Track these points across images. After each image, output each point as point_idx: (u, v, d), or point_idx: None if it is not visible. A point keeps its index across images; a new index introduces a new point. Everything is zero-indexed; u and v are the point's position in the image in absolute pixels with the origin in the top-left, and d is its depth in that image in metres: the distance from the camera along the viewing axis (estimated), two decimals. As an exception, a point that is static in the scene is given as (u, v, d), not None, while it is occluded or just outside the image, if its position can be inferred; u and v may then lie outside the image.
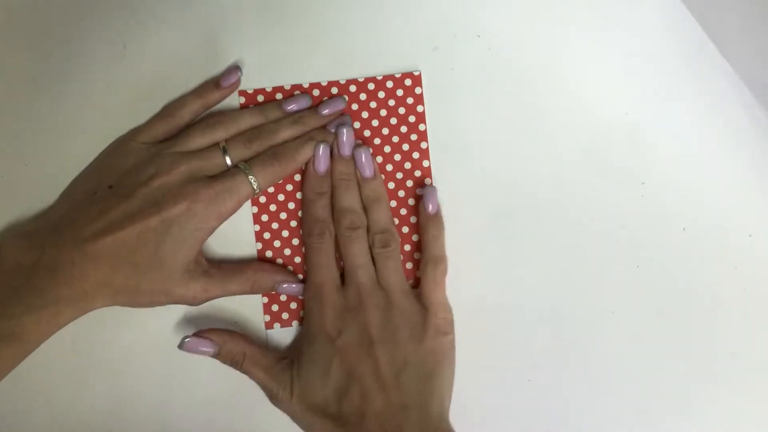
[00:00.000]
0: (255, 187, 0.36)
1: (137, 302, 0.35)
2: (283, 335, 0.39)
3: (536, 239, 0.39)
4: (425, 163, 0.39)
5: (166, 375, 0.39)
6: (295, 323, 0.39)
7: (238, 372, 0.38)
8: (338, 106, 0.38)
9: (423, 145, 0.39)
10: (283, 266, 0.39)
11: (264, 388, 0.37)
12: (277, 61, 0.39)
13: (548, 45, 0.39)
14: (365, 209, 0.38)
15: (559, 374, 0.39)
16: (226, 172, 0.36)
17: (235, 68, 0.38)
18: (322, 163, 0.37)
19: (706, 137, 0.39)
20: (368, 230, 0.37)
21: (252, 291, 0.37)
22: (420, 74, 0.39)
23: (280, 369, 0.36)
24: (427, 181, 0.39)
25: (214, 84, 0.38)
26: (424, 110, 0.39)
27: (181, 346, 0.36)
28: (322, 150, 0.37)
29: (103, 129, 0.38)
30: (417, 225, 0.39)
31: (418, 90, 0.39)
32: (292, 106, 0.38)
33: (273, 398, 0.36)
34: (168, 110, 0.38)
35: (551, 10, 0.39)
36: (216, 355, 0.36)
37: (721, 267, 0.39)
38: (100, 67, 0.38)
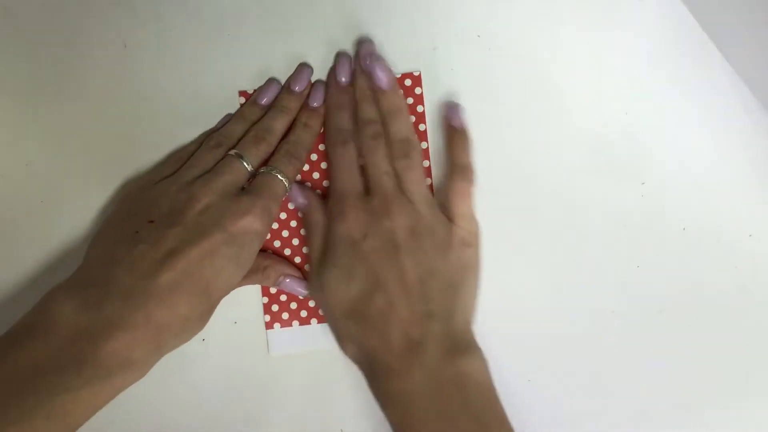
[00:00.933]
0: (287, 187, 0.36)
1: (204, 325, 0.34)
2: (284, 336, 0.39)
3: (536, 239, 0.39)
4: (425, 163, 0.39)
5: (166, 375, 0.39)
6: (295, 323, 0.39)
7: (237, 372, 0.38)
8: (306, 77, 0.38)
9: (423, 145, 0.39)
10: (289, 260, 0.39)
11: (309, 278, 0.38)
12: (277, 61, 0.39)
13: (548, 45, 0.39)
14: (383, 122, 0.37)
15: (559, 374, 0.39)
16: (261, 180, 0.35)
17: (229, 117, 0.38)
18: (343, 74, 0.38)
19: (706, 137, 0.39)
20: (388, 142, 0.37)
21: (261, 279, 0.37)
22: (420, 74, 0.39)
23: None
24: (427, 180, 0.39)
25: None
26: (424, 110, 0.39)
27: (289, 189, 0.37)
28: (341, 61, 0.38)
29: (103, 129, 0.38)
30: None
31: (418, 90, 0.39)
32: (265, 100, 0.38)
33: (309, 288, 0.38)
34: (175, 156, 0.38)
35: (551, 10, 0.39)
36: (303, 210, 0.38)
37: (721, 267, 0.39)
38: (100, 67, 0.38)
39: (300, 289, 0.38)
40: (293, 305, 0.39)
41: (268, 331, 0.39)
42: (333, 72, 0.38)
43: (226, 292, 0.34)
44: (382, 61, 0.37)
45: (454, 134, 0.38)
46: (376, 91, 0.37)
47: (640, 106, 0.39)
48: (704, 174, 0.39)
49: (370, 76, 0.37)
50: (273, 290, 0.39)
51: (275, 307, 0.39)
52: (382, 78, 0.37)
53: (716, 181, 0.39)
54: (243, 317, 0.39)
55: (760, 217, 0.39)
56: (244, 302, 0.39)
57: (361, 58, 0.38)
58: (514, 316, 0.39)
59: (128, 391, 0.38)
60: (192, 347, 0.39)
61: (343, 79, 0.38)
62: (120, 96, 0.38)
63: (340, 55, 0.38)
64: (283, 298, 0.39)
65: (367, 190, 0.37)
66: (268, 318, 0.39)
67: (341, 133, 0.37)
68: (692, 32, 0.39)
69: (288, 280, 0.38)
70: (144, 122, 0.38)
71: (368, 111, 0.37)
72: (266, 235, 0.35)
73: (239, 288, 0.38)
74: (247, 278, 0.37)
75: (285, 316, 0.39)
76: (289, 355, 0.39)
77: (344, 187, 0.36)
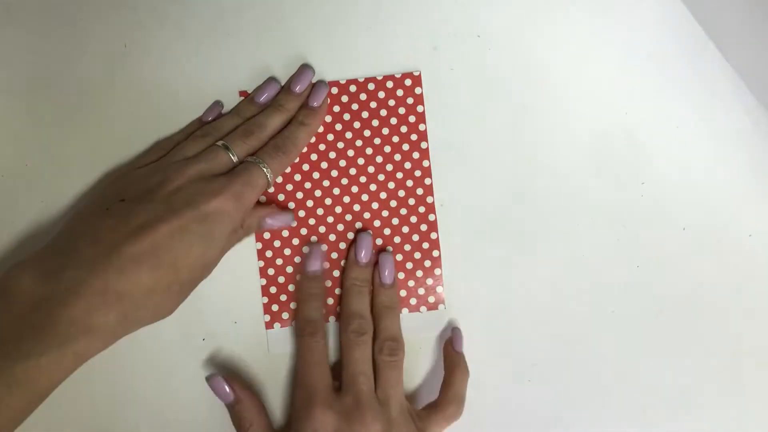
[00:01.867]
0: (270, 178, 0.36)
1: (183, 298, 0.34)
2: (283, 335, 0.39)
3: (536, 239, 0.39)
4: (425, 163, 0.39)
5: (167, 375, 0.39)
6: (295, 323, 0.39)
7: (237, 372, 0.38)
8: (307, 78, 0.38)
9: (423, 145, 0.39)
10: (267, 203, 0.39)
11: None
12: (277, 61, 0.39)
13: (548, 45, 0.39)
14: (376, 315, 0.37)
15: (559, 374, 0.39)
16: (240, 167, 0.35)
17: (216, 104, 0.38)
18: (316, 264, 0.38)
19: (706, 137, 0.39)
20: (374, 337, 0.37)
21: (243, 234, 0.37)
22: (420, 74, 0.39)
23: None
24: (427, 181, 0.39)
25: (198, 121, 0.38)
26: (424, 110, 0.39)
27: (208, 379, 0.37)
28: (318, 251, 0.38)
29: (103, 129, 0.38)
30: (416, 225, 0.39)
31: (418, 90, 0.39)
32: (263, 98, 0.38)
33: None
34: (159, 146, 0.38)
35: (551, 11, 0.39)
36: (229, 407, 0.37)
37: (721, 267, 0.39)
38: (101, 68, 0.38)
39: (285, 218, 0.38)
40: (293, 305, 0.39)
41: (268, 331, 0.39)
42: (306, 262, 0.38)
43: (199, 271, 0.34)
44: (390, 255, 0.38)
45: (458, 364, 0.37)
46: (375, 286, 0.38)
47: (640, 106, 0.39)
48: (704, 174, 0.39)
49: (378, 270, 0.38)
50: (273, 290, 0.39)
51: (275, 307, 0.39)
52: (390, 275, 0.38)
53: (716, 181, 0.39)
54: (243, 317, 0.39)
55: (760, 217, 0.39)
56: (244, 302, 0.39)
57: (358, 251, 0.38)
58: (515, 315, 0.39)
59: (129, 390, 0.39)
60: (192, 347, 0.39)
61: (315, 269, 0.38)
62: (120, 96, 0.38)
63: (313, 246, 0.38)
64: (283, 298, 0.39)
65: (339, 383, 0.36)
66: (268, 318, 0.39)
67: (309, 323, 0.37)
68: (692, 32, 0.39)
69: (269, 220, 0.37)
70: (144, 122, 0.38)
71: (358, 304, 0.37)
72: (238, 220, 0.34)
73: (239, 288, 0.38)
74: (232, 239, 0.36)
75: (285, 315, 0.39)
76: (289, 355, 0.39)
77: (314, 381, 0.35)
